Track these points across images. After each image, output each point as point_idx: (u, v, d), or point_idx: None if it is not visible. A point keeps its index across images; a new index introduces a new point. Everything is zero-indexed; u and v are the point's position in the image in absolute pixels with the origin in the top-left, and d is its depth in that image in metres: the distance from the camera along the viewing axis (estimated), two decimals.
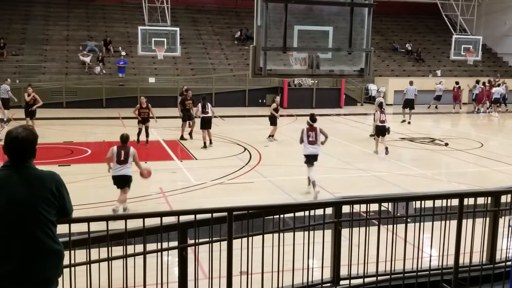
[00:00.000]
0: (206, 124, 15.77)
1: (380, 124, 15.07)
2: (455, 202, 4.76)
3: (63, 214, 3.48)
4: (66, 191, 3.48)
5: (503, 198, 5.12)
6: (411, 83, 22.74)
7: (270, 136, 17.31)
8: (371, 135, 17.41)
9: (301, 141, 10.95)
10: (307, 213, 4.50)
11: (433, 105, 28.30)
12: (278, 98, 18.35)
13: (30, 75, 26.98)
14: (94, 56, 28.71)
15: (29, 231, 3.27)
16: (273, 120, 17.34)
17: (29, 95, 18.00)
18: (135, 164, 9.38)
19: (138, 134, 15.85)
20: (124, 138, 9.45)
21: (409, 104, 22.19)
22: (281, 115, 20.65)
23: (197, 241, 4.16)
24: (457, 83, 27.79)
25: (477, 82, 27.56)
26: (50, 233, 3.33)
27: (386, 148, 14.81)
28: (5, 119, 18.81)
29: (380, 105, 15.83)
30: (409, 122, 22.02)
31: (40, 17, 31.74)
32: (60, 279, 3.56)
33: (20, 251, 3.26)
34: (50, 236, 3.33)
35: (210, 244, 4.18)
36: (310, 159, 10.78)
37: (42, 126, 19.02)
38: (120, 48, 29.92)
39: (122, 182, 9.30)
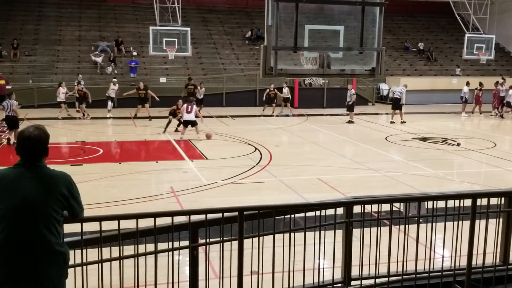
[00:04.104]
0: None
1: (287, 96, 24.47)
2: (468, 202, 4.71)
3: (72, 215, 3.47)
4: (77, 192, 3.47)
5: None
6: (405, 86, 23.68)
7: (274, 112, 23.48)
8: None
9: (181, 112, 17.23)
10: (318, 213, 4.49)
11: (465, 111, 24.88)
12: (272, 86, 24.10)
13: (42, 75, 27.19)
14: (106, 56, 28.88)
15: (38, 230, 3.26)
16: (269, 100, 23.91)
17: (79, 90, 22.48)
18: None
19: (167, 124, 18.20)
20: (188, 98, 18.55)
21: (395, 103, 22.36)
22: (293, 115, 24.09)
23: (208, 240, 4.16)
24: (480, 84, 25.51)
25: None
26: (56, 235, 3.32)
27: (291, 110, 24.39)
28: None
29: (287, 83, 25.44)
30: (392, 122, 21.83)
31: (52, 17, 31.99)
32: (72, 278, 3.57)
33: (28, 250, 3.25)
34: (57, 238, 3.32)
35: (221, 243, 4.18)
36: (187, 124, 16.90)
37: (54, 126, 19.17)
38: (131, 48, 30.07)
39: (191, 123, 16.61)
